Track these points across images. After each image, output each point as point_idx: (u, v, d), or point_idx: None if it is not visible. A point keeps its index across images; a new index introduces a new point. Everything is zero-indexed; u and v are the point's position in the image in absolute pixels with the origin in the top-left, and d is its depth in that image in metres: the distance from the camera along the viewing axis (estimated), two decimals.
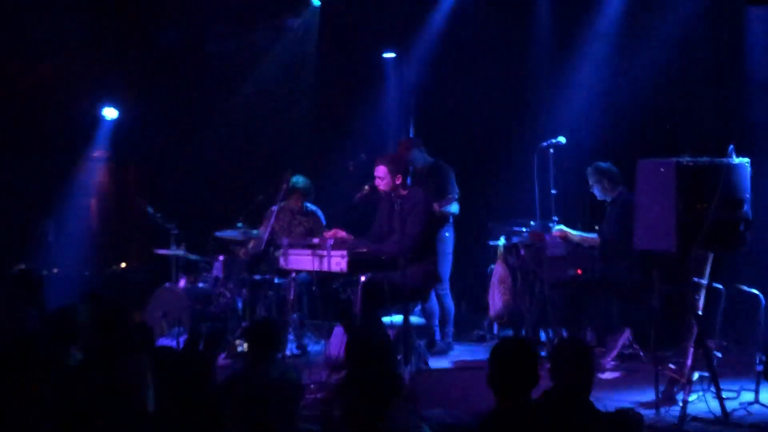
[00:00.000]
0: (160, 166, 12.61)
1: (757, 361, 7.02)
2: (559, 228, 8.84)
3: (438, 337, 9.45)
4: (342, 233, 8.18)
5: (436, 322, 9.44)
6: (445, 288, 9.46)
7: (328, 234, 8.12)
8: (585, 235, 8.80)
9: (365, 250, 7.87)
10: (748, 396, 6.97)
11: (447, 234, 9.42)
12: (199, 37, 12.15)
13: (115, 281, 11.61)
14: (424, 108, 11.92)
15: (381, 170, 8.12)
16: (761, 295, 7.30)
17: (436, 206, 8.98)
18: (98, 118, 12.45)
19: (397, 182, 8.09)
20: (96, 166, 12.97)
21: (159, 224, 9.96)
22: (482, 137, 11.46)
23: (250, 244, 9.59)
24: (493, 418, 4.30)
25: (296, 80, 12.41)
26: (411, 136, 10.13)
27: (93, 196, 12.98)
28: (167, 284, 9.71)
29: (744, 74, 9.56)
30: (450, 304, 9.53)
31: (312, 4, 12.05)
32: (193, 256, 9.91)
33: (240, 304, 9.39)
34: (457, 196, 9.41)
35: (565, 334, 8.41)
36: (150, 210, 9.97)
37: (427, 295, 8.68)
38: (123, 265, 12.04)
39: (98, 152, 12.93)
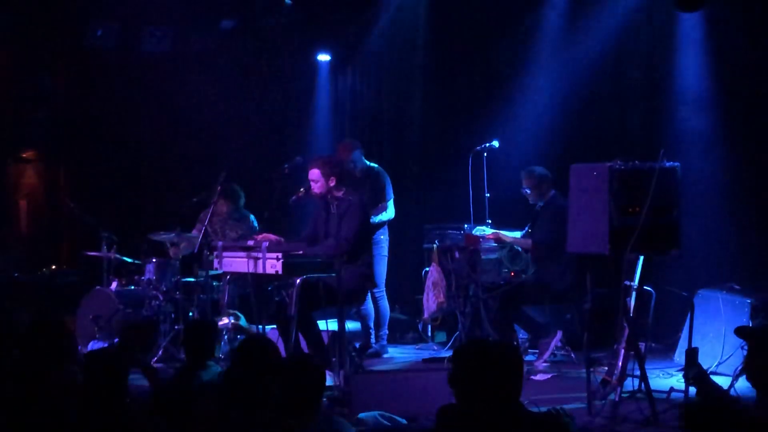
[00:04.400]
0: (92, 167, 12.45)
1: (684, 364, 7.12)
2: (480, 229, 8.93)
3: (372, 339, 9.46)
4: (272, 237, 8.15)
5: (371, 324, 9.45)
6: (381, 291, 9.48)
7: (258, 237, 8.09)
8: (518, 237, 8.88)
9: (300, 252, 7.86)
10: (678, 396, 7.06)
11: (382, 237, 9.44)
12: (133, 37, 12.01)
13: (45, 284, 11.41)
14: (359, 110, 11.94)
15: (315, 173, 8.12)
16: (689, 296, 7.41)
17: None
18: (30, 118, 12.25)
19: (331, 184, 8.09)
20: (26, 167, 12.77)
21: (89, 226, 9.83)
22: (417, 140, 11.51)
23: (182, 245, 9.51)
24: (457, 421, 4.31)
25: (231, 82, 12.34)
26: (350, 138, 10.13)
27: (22, 198, 12.77)
28: (98, 287, 9.57)
29: (675, 79, 9.70)
30: (385, 306, 9.55)
31: (253, 7, 11.97)
32: (125, 259, 9.79)
33: (173, 308, 9.28)
34: (391, 202, 9.43)
35: (497, 336, 8.45)
36: (80, 211, 9.84)
37: (363, 298, 8.69)
38: (53, 267, 11.84)
39: (28, 153, 12.74)
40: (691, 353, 5.16)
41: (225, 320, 8.47)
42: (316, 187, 8.11)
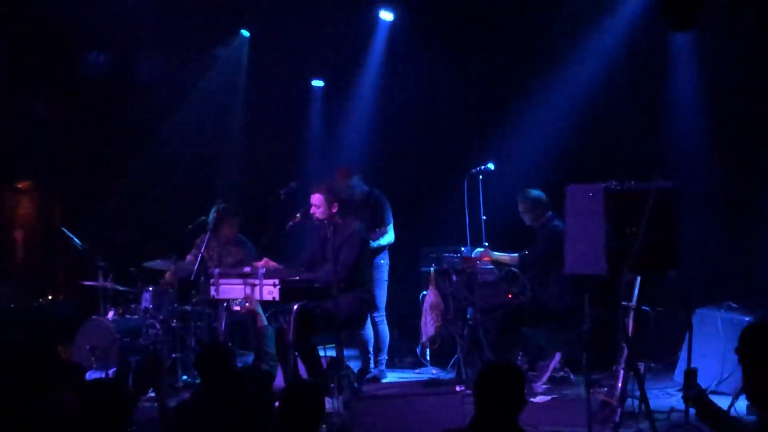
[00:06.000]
0: (87, 196, 12.43)
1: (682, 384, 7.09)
2: (478, 251, 8.93)
3: (371, 364, 9.42)
4: (272, 264, 8.12)
5: (371, 348, 9.42)
6: (381, 315, 9.46)
7: (259, 264, 8.05)
8: (511, 254, 8.86)
9: (298, 278, 7.83)
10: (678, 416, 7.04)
11: (383, 261, 9.42)
12: (127, 65, 12.03)
13: (42, 314, 11.37)
14: (353, 135, 11.94)
15: (317, 198, 8.10)
16: (687, 315, 7.39)
17: None
18: (25, 149, 12.25)
19: (333, 210, 8.08)
20: (21, 197, 12.76)
21: (86, 256, 9.80)
22: (412, 164, 11.51)
23: (173, 268, 9.46)
24: None
25: (225, 109, 12.35)
26: (347, 163, 10.12)
27: (18, 228, 12.75)
28: (95, 317, 9.52)
29: (668, 99, 9.73)
30: (385, 331, 9.52)
31: (241, 35, 12.04)
32: (121, 288, 9.74)
33: (170, 336, 9.24)
34: (391, 226, 9.42)
35: (496, 359, 8.42)
36: (76, 241, 9.81)
37: (363, 323, 8.66)
38: (49, 297, 11.81)
39: (23, 183, 12.73)
40: (690, 374, 5.14)
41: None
42: (318, 213, 8.09)
